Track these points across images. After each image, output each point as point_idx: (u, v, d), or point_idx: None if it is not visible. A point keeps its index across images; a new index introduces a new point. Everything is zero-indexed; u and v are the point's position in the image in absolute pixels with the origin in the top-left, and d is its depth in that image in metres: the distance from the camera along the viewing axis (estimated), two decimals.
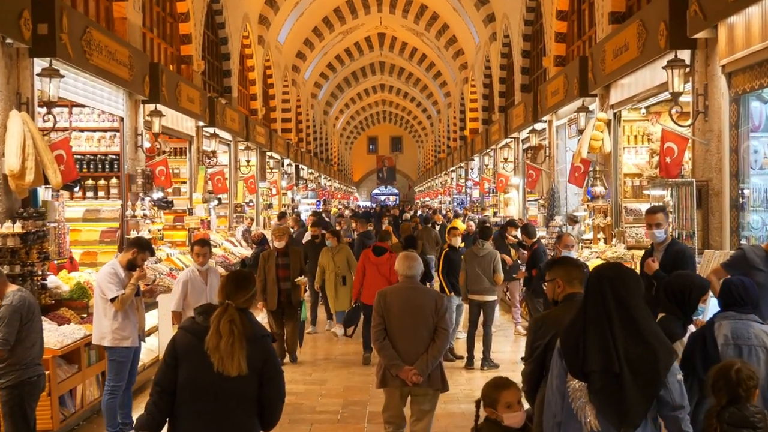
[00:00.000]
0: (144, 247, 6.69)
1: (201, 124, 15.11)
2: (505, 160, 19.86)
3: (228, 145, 18.33)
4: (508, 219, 13.41)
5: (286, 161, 27.20)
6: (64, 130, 9.04)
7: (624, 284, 3.18)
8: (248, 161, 19.14)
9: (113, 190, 11.10)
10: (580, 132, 12.00)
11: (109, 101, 10.53)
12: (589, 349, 3.12)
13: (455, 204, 33.32)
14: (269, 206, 22.92)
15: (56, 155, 7.75)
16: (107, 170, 11.16)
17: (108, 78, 9.83)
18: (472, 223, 19.13)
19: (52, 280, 7.90)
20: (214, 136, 15.81)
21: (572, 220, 13.55)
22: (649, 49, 8.88)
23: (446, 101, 39.10)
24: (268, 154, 23.16)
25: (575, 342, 3.19)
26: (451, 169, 35.87)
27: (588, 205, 11.64)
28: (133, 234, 10.97)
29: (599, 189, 11.34)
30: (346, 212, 29.03)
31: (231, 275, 3.82)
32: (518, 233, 11.20)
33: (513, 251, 11.20)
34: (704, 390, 3.74)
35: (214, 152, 15.79)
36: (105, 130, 11.20)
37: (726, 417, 3.37)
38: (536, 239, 10.93)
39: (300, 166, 30.82)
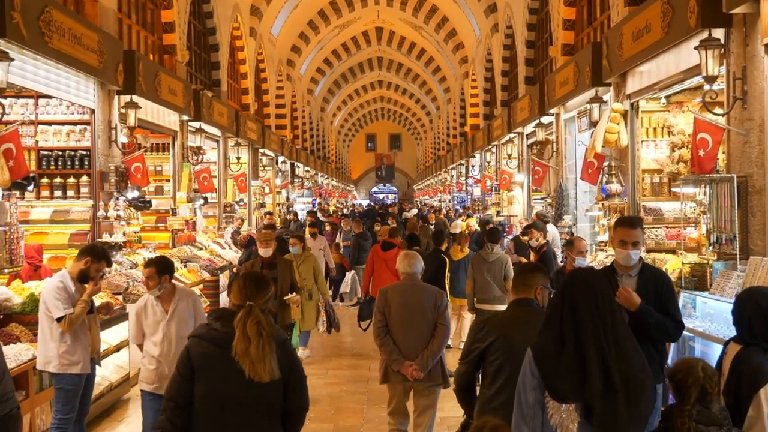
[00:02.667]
0: (99, 255, 5.73)
1: (185, 118, 14.13)
2: (509, 156, 18.94)
3: (217, 141, 17.37)
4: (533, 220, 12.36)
5: (281, 158, 26.21)
6: (14, 122, 8.05)
7: (611, 296, 3.02)
8: (238, 158, 18.16)
9: (84, 189, 10.20)
10: (594, 125, 11.03)
11: (77, 91, 9.57)
12: (591, 372, 2.86)
13: (456, 202, 32.39)
14: (262, 205, 21.96)
15: (4, 149, 6.80)
16: (77, 167, 10.26)
17: (73, 64, 8.86)
18: (472, 222, 18.24)
19: (1, 292, 6.95)
20: (200, 131, 14.81)
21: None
22: (675, 30, 7.92)
23: (446, 97, 38.19)
24: (261, 150, 22.19)
25: (568, 363, 2.89)
26: (451, 166, 34.97)
27: (603, 203, 10.66)
28: (106, 237, 10.08)
29: (615, 186, 10.36)
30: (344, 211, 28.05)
31: (249, 276, 3.54)
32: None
33: (533, 255, 10.28)
34: None
35: (200, 148, 14.80)
36: (74, 123, 10.27)
37: (694, 415, 3.21)
38: (546, 241, 10.08)
39: (295, 163, 29.85)
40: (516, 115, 17.76)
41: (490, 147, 22.84)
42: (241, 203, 19.28)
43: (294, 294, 7.78)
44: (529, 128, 17.13)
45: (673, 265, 8.05)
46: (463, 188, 30.43)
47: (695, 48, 7.15)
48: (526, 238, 10.85)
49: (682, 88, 9.07)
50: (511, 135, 18.96)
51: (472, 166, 27.41)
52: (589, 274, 3.15)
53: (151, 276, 5.46)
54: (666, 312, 4.43)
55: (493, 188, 22.07)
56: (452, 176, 34.92)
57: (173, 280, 5.62)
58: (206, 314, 5.13)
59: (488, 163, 23.81)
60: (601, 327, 2.91)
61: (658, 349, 4.52)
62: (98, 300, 6.86)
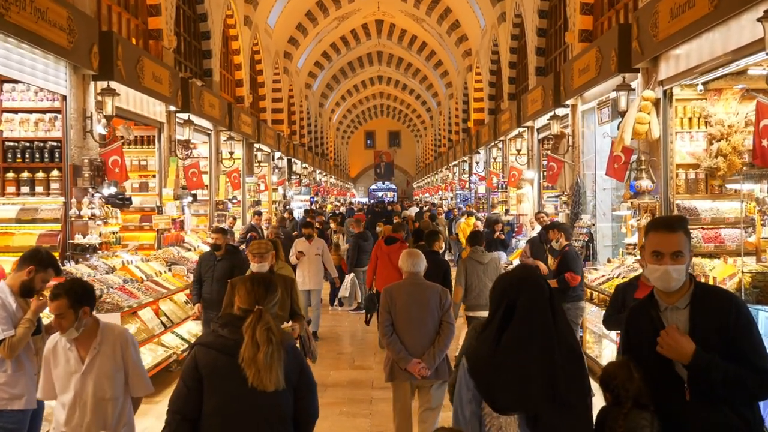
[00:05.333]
0: (44, 263, 4.68)
1: (172, 108, 13.07)
2: (518, 151, 17.88)
3: (208, 135, 16.30)
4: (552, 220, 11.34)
5: (277, 154, 25.14)
6: None
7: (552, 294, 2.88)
8: (231, 153, 17.09)
9: (54, 185, 9.16)
10: (621, 114, 9.98)
11: (45, 75, 8.51)
12: (533, 378, 2.72)
13: (459, 200, 31.35)
14: (257, 203, 20.90)
15: None
16: (47, 160, 9.22)
17: (37, 43, 7.78)
18: (479, 222, 17.22)
19: None
20: (189, 123, 13.74)
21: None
22: (727, 1, 6.88)
23: (447, 92, 37.15)
24: (256, 146, 21.12)
25: (506, 368, 2.75)
26: (453, 163, 33.91)
27: (632, 202, 9.61)
28: (79, 238, 9.04)
29: (645, 183, 9.31)
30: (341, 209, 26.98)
31: (256, 278, 3.38)
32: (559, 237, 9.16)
33: (551, 258, 9.27)
34: None
35: (188, 141, 13.72)
36: (44, 111, 9.22)
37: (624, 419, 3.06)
38: (568, 243, 9.12)
39: (292, 160, 28.78)
40: (526, 107, 16.71)
41: (496, 142, 21.78)
42: (235, 201, 18.22)
43: (291, 323, 6.16)
44: (541, 121, 16.09)
45: (723, 273, 7.04)
46: (467, 186, 29.39)
47: (758, 20, 6.10)
48: (543, 266, 9.72)
49: (726, 71, 8.01)
50: (521, 129, 17.91)
51: (476, 163, 26.35)
52: (532, 278, 2.92)
53: (62, 312, 3.80)
54: (743, 358, 2.90)
55: (500, 186, 21.03)
56: (454, 173, 33.87)
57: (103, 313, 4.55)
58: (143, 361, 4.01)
59: (494, 159, 22.78)
60: (554, 328, 2.78)
61: (741, 415, 2.94)
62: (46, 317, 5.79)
